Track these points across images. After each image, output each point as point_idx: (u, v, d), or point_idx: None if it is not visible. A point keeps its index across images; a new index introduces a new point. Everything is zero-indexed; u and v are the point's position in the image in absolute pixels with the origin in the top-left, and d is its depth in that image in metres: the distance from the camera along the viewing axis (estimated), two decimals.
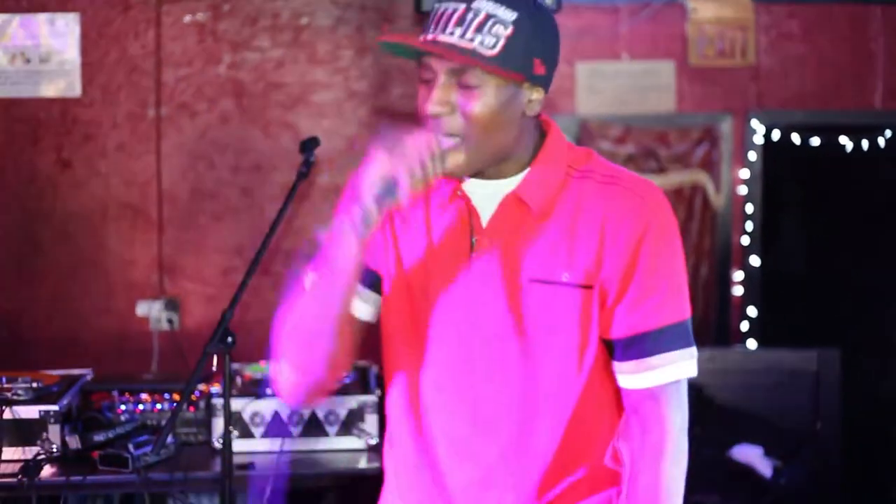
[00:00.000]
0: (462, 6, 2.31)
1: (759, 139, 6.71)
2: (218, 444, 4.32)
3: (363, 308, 2.63)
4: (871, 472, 6.94)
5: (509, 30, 2.31)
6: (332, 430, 4.44)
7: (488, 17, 2.30)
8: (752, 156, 6.66)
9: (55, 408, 4.29)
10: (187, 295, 6.24)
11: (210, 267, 6.26)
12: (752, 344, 6.60)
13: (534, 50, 2.36)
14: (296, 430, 4.42)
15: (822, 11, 6.71)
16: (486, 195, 2.48)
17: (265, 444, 4.41)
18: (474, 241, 2.47)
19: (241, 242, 6.21)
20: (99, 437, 4.34)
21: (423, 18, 5.76)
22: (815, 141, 6.83)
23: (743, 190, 6.65)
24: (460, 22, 2.30)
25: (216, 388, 4.47)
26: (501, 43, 2.30)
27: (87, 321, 6.16)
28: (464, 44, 2.29)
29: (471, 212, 2.48)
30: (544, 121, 2.54)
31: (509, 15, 2.31)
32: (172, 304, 6.16)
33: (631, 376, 2.45)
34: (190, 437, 4.55)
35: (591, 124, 6.56)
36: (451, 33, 2.30)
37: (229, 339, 3.71)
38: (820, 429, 6.09)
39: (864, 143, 6.87)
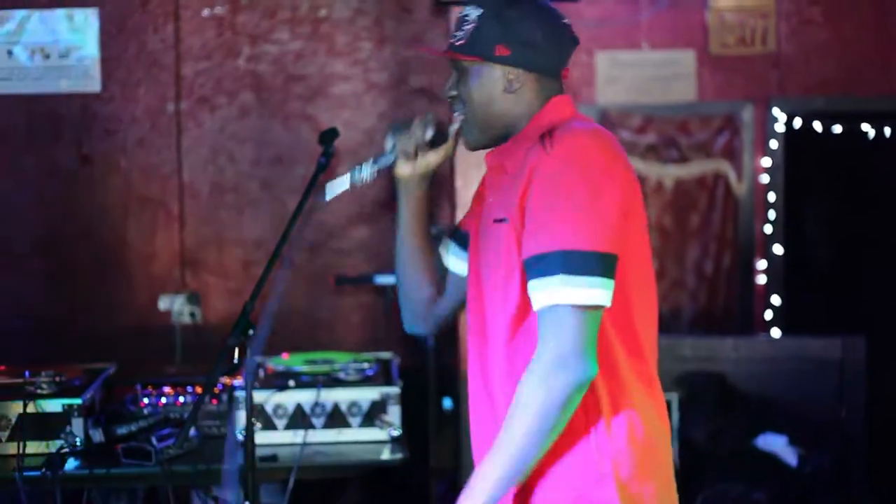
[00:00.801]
0: (460, 12, 2.92)
1: (780, 127, 6.68)
2: (241, 437, 4.32)
3: (449, 259, 3.19)
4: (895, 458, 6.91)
5: (472, 24, 2.84)
6: (354, 421, 4.42)
7: (465, 16, 2.87)
8: (774, 144, 6.64)
9: (78, 401, 4.28)
10: (209, 288, 6.26)
11: (231, 260, 6.28)
12: (775, 332, 6.58)
13: (495, 38, 2.82)
14: (318, 422, 4.42)
15: None
16: None
17: (288, 436, 4.40)
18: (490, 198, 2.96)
19: (262, 235, 6.23)
20: (122, 431, 4.34)
21: (440, 9, 5.76)
22: (837, 128, 6.81)
23: (765, 178, 6.63)
24: (455, 23, 2.91)
25: (239, 380, 4.47)
26: (467, 35, 2.84)
27: (109, 315, 6.19)
28: (451, 40, 2.89)
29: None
30: (552, 99, 2.91)
31: (475, 13, 2.85)
32: (194, 298, 6.17)
33: (530, 297, 2.66)
34: (213, 429, 4.54)
35: (611, 113, 6.55)
36: (452, 34, 2.91)
37: (251, 331, 3.71)
38: (845, 416, 6.07)
39: (887, 130, 6.84)
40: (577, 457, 2.66)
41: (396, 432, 4.43)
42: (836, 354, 6.08)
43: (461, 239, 3.14)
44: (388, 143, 3.02)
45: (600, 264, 2.56)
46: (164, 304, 6.14)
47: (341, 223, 6.31)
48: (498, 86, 2.85)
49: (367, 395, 4.45)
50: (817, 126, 6.79)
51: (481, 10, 2.84)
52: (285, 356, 4.89)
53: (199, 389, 4.61)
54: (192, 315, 6.13)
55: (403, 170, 3.04)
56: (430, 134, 2.98)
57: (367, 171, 3.00)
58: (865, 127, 6.85)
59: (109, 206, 6.24)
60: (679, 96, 6.58)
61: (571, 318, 2.54)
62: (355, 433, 4.43)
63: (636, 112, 6.61)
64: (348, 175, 3.00)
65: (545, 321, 2.57)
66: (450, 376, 5.70)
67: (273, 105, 6.28)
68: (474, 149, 2.96)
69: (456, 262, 3.17)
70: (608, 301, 2.57)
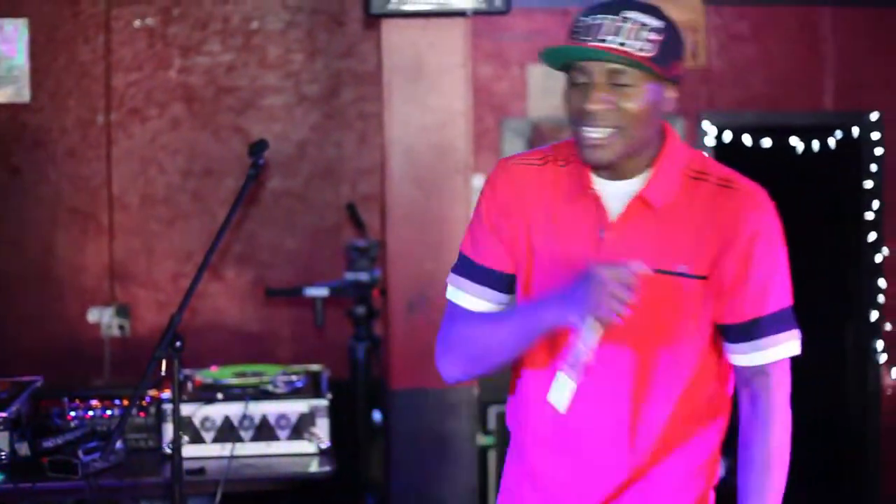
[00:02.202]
0: (617, 18, 2.62)
1: (710, 141, 6.73)
2: (168, 450, 4.30)
3: (484, 306, 2.90)
4: (822, 467, 6.97)
5: (662, 35, 2.63)
6: (283, 434, 4.42)
7: (642, 25, 2.61)
8: None
9: (4, 414, 4.26)
10: (139, 301, 6.22)
11: (161, 273, 6.24)
12: None
13: (676, 53, 2.68)
14: (246, 435, 4.40)
15: (772, 13, 6.75)
16: (612, 193, 2.76)
17: (216, 449, 4.38)
18: (602, 233, 2.73)
19: (192, 248, 6.19)
20: (48, 444, 4.31)
21: (372, 22, 5.76)
22: (767, 142, 6.87)
23: None
24: (617, 31, 2.60)
25: (167, 393, 4.45)
26: (656, 47, 2.62)
27: (37, 328, 6.13)
28: (621, 49, 2.60)
29: (598, 208, 2.74)
30: (663, 125, 2.81)
31: (658, 23, 2.63)
32: (123, 311, 6.14)
33: (745, 356, 2.75)
34: (140, 442, 4.52)
35: (543, 127, 6.57)
36: (604, 40, 2.60)
37: (178, 343, 3.69)
38: None
39: (815, 144, 6.92)
40: (707, 465, 2.85)
41: (325, 445, 4.43)
42: None
43: (502, 286, 2.88)
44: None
45: None
46: (92, 316, 6.10)
47: (270, 235, 6.29)
48: (660, 105, 2.69)
49: (295, 408, 4.45)
50: (747, 140, 6.85)
51: (663, 22, 2.66)
52: (214, 369, 4.88)
53: (127, 402, 4.58)
54: (122, 328, 6.10)
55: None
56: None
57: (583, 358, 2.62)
58: (794, 141, 6.92)
59: (38, 218, 6.18)
60: None
61: (789, 365, 2.79)
62: (284, 446, 4.44)
63: (568, 126, 6.63)
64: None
65: (779, 372, 2.76)
66: (380, 389, 5.69)
67: (204, 117, 6.26)
68: (602, 165, 2.71)
69: (478, 303, 2.89)
70: None
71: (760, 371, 2.75)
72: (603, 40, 2.59)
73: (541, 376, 2.81)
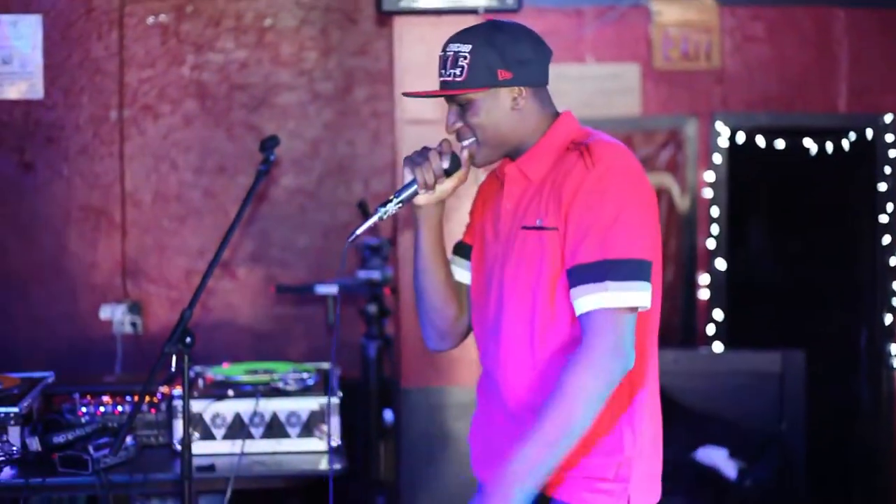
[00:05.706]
0: (445, 52, 3.07)
1: (723, 142, 6.71)
2: (178, 447, 4.30)
3: (459, 272, 3.39)
4: (835, 471, 6.95)
5: (468, 59, 3.03)
6: (293, 431, 4.41)
7: (455, 54, 3.04)
8: (718, 158, 6.67)
9: (15, 410, 4.25)
10: (151, 298, 6.23)
11: (174, 270, 6.25)
12: (718, 347, 6.60)
13: (495, 64, 3.04)
14: (257, 432, 4.40)
15: (786, 14, 6.72)
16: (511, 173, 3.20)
17: (226, 446, 4.38)
18: (504, 204, 3.18)
19: (204, 245, 6.20)
20: (59, 439, 4.30)
21: (384, 18, 5.76)
22: (780, 144, 6.85)
23: (708, 193, 6.65)
24: (444, 63, 3.07)
25: (178, 390, 4.44)
26: (466, 70, 3.03)
27: (50, 325, 6.14)
28: (446, 79, 3.06)
29: (502, 185, 3.21)
30: (561, 113, 3.19)
31: (465, 48, 3.04)
32: (136, 308, 6.14)
33: (574, 301, 2.91)
34: (151, 438, 4.51)
35: None
36: (441, 73, 3.08)
37: (188, 338, 3.69)
38: (785, 429, 6.11)
39: (829, 146, 6.89)
40: (601, 447, 3.00)
41: (335, 443, 4.42)
42: (777, 368, 6.13)
43: (466, 253, 3.38)
44: (407, 176, 3.12)
45: (643, 271, 2.89)
46: (105, 313, 6.10)
47: (282, 232, 6.29)
48: (505, 107, 3.07)
49: (306, 406, 4.44)
50: (760, 141, 6.82)
51: (471, 45, 3.03)
52: (226, 366, 4.87)
53: (137, 398, 4.58)
54: (134, 325, 6.10)
55: (422, 199, 3.16)
56: (446, 163, 3.11)
57: (392, 208, 3.08)
58: (808, 142, 6.90)
59: (51, 214, 6.19)
60: (623, 110, 6.59)
61: (617, 318, 2.84)
62: (294, 443, 4.42)
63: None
64: (376, 215, 3.08)
65: (594, 321, 2.84)
66: (391, 388, 5.69)
67: (217, 114, 6.26)
68: (487, 164, 3.18)
69: (466, 275, 3.37)
70: (648, 303, 2.91)
71: (581, 320, 2.87)
72: (441, 73, 3.06)
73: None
